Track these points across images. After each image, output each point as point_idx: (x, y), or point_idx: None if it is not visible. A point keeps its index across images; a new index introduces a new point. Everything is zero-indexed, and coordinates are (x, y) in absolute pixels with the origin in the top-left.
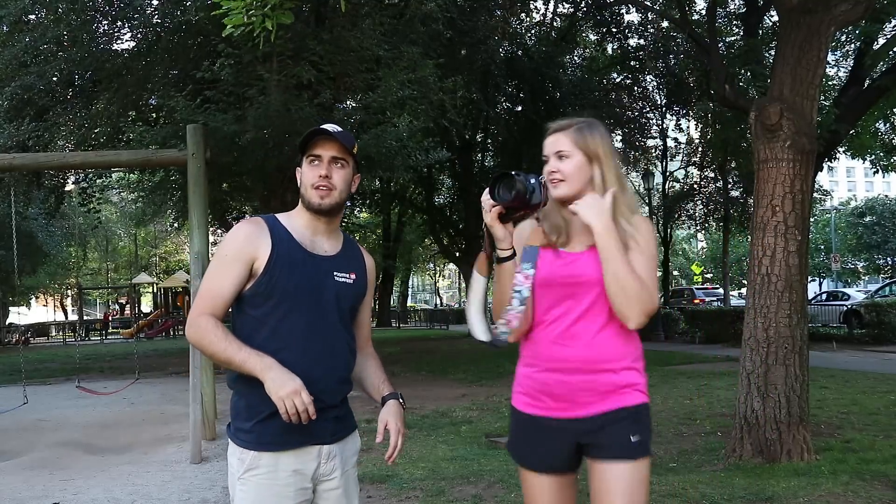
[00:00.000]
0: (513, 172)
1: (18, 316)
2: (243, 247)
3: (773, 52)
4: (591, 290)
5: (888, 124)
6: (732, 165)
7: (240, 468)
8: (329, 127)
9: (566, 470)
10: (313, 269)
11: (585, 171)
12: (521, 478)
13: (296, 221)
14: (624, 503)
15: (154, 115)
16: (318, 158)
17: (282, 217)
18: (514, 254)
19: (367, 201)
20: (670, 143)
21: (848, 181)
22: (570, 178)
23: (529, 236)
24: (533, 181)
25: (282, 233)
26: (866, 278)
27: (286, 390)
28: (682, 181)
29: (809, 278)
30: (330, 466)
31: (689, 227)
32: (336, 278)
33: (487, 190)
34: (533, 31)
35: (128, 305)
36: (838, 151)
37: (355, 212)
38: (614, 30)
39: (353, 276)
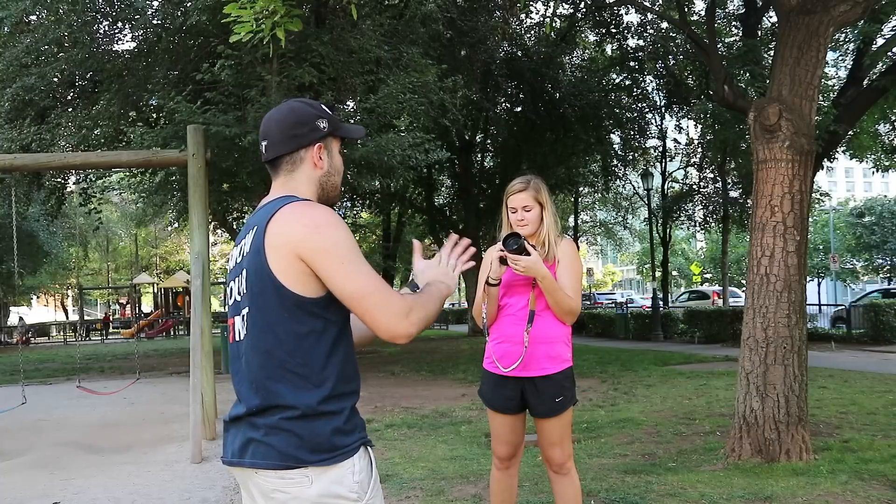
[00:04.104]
0: (516, 233)
1: (27, 312)
2: None
3: (772, 53)
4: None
5: (888, 125)
6: (731, 166)
7: (365, 487)
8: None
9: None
10: None
11: (539, 214)
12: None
13: None
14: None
15: (155, 115)
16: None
17: None
18: (499, 283)
19: (367, 201)
20: (670, 143)
21: (847, 181)
22: (531, 223)
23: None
24: (522, 241)
25: None
26: (865, 279)
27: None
28: (681, 182)
29: (808, 279)
30: None
31: (689, 228)
32: None
33: (501, 243)
34: (532, 32)
35: (128, 305)
36: (837, 152)
37: (355, 212)
38: (614, 30)
39: None
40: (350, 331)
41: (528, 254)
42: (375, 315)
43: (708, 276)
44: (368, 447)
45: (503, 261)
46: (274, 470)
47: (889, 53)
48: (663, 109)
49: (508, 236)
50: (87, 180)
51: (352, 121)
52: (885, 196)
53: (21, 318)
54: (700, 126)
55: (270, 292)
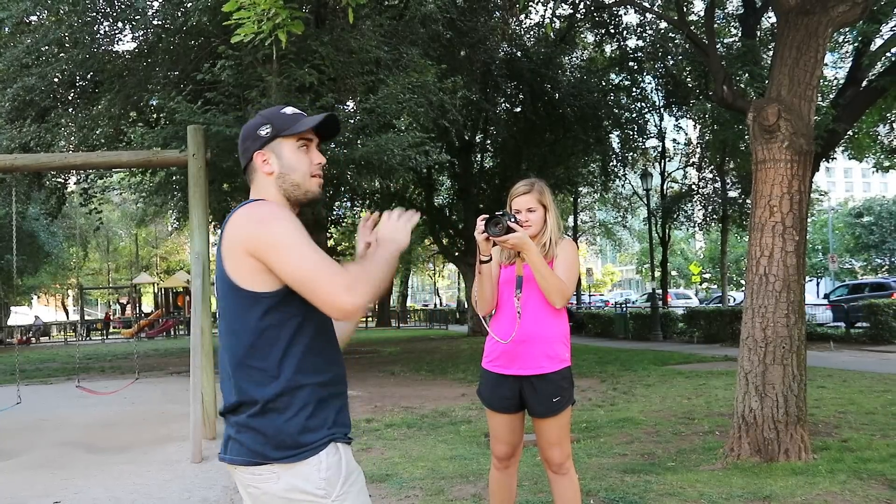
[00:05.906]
0: (498, 214)
1: (28, 312)
2: None
3: (771, 53)
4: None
5: (887, 125)
6: (730, 166)
7: (334, 484)
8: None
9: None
10: None
11: (542, 216)
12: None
13: None
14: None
15: (155, 115)
16: (309, 143)
17: None
18: (491, 258)
19: (367, 201)
20: (669, 143)
21: (845, 181)
22: (535, 224)
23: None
24: (506, 219)
25: None
26: (864, 279)
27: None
28: (680, 182)
29: (807, 278)
30: None
31: (688, 228)
32: None
33: (484, 224)
34: (532, 32)
35: (129, 305)
36: (836, 152)
37: (355, 212)
38: (613, 31)
39: None
40: (317, 322)
41: (514, 230)
42: (319, 294)
43: (707, 276)
44: (340, 444)
45: (494, 230)
46: (246, 466)
47: (888, 53)
48: (662, 109)
49: (489, 222)
50: (88, 180)
51: (351, 121)
52: (884, 196)
53: (38, 317)
54: (699, 126)
55: (230, 294)
